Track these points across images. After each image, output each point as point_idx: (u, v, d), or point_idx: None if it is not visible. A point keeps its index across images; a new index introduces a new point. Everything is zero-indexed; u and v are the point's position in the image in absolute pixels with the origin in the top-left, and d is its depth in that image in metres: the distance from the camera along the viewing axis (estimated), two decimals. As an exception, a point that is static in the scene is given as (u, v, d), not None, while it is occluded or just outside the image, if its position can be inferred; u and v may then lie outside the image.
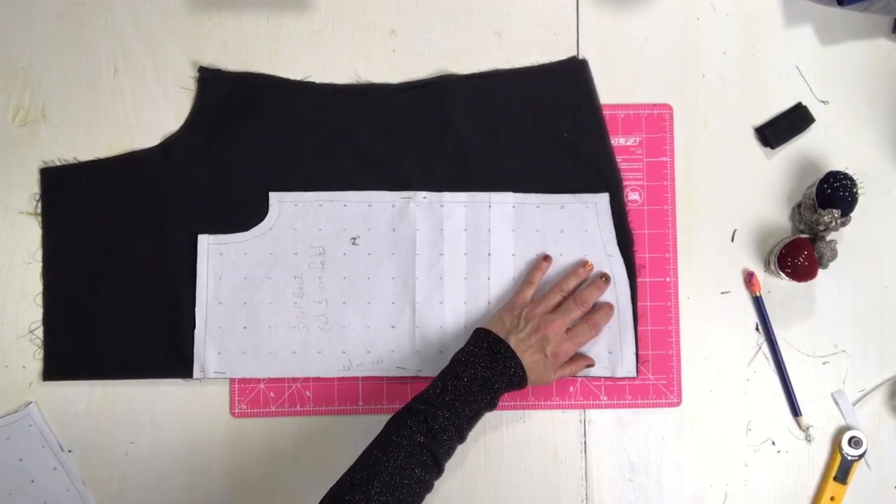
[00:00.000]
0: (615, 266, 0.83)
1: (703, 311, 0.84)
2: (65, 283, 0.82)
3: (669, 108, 0.85)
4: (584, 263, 0.82)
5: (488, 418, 0.78)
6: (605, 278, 0.82)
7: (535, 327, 0.76)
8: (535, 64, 0.85)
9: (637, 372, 0.82)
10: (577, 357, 0.80)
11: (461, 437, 0.72)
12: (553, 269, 0.83)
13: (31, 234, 0.83)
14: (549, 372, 0.76)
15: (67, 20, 0.85)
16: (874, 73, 0.86)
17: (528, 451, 0.83)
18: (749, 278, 0.84)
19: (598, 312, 0.80)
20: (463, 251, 0.83)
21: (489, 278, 0.83)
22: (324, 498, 0.67)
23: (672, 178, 0.85)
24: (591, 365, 0.81)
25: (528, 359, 0.75)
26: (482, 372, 0.73)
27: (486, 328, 0.77)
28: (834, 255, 0.80)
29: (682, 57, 0.86)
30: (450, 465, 0.71)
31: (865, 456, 0.82)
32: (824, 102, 0.86)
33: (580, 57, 0.86)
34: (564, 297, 0.80)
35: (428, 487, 0.70)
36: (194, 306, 0.82)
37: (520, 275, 0.83)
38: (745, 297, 0.84)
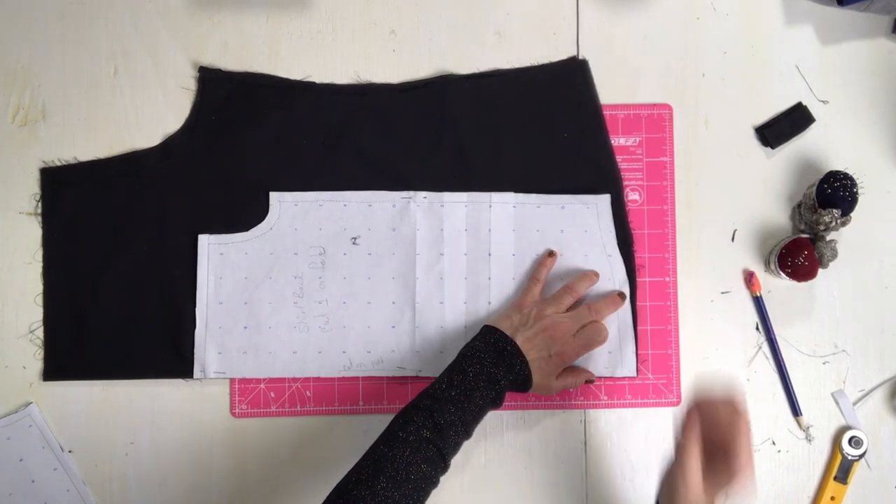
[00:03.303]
0: (615, 266, 0.83)
1: (703, 311, 0.84)
2: (65, 283, 0.82)
3: (669, 108, 0.85)
4: (595, 273, 0.82)
5: (489, 418, 0.78)
6: (621, 295, 0.81)
7: (542, 327, 0.76)
8: (535, 64, 0.85)
9: (637, 372, 0.82)
10: (580, 370, 0.80)
11: (467, 433, 0.72)
12: (554, 270, 0.83)
13: (31, 234, 0.83)
14: (551, 374, 0.76)
15: (67, 20, 0.85)
16: (874, 73, 0.86)
17: (529, 451, 0.83)
18: (749, 278, 0.84)
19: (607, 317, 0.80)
20: (463, 251, 0.83)
21: (489, 278, 0.83)
22: (330, 494, 0.67)
23: (672, 178, 0.85)
24: (591, 381, 0.80)
25: (533, 357, 0.75)
26: (488, 368, 0.73)
27: (493, 325, 0.77)
28: (834, 255, 0.80)
29: (682, 57, 0.86)
30: (453, 463, 0.71)
31: (866, 456, 0.82)
32: (824, 102, 0.86)
33: (580, 57, 0.86)
34: (574, 299, 0.80)
35: (434, 483, 0.69)
36: (194, 306, 0.82)
37: (520, 275, 0.83)
38: (745, 297, 0.84)
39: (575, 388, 0.80)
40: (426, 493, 0.69)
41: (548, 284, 0.82)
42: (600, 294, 0.82)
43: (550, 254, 0.82)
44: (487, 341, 0.75)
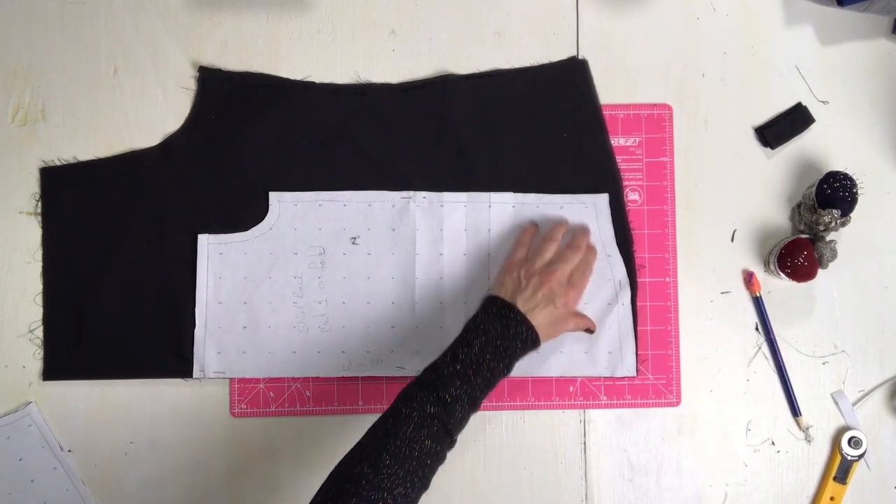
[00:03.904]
0: (615, 266, 0.83)
1: (703, 311, 0.84)
2: (65, 282, 0.82)
3: (669, 108, 0.85)
4: (563, 222, 0.82)
5: (489, 418, 0.78)
6: (583, 228, 0.82)
7: (537, 283, 0.75)
8: (535, 64, 0.85)
9: (637, 372, 0.82)
10: (581, 315, 0.80)
11: (475, 406, 0.71)
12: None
13: (31, 233, 0.83)
14: (560, 328, 0.76)
15: (67, 20, 0.85)
16: (874, 73, 0.86)
17: (528, 450, 0.83)
18: (749, 278, 0.84)
19: (586, 255, 0.80)
20: (463, 251, 0.83)
21: (489, 278, 0.83)
22: (332, 471, 0.67)
23: (672, 179, 0.85)
24: (591, 330, 0.81)
25: (539, 316, 0.74)
26: (494, 339, 0.72)
27: (494, 294, 0.76)
28: (834, 256, 0.80)
29: (682, 57, 0.86)
30: (450, 463, 0.70)
31: (865, 456, 0.82)
32: (824, 102, 0.86)
33: (580, 57, 0.86)
34: (556, 246, 0.80)
35: (440, 459, 0.68)
36: (194, 306, 0.82)
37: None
38: (745, 297, 0.84)
39: (576, 330, 0.80)
40: (432, 470, 0.68)
41: None
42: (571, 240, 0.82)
43: (533, 224, 0.83)
44: (490, 311, 0.74)
